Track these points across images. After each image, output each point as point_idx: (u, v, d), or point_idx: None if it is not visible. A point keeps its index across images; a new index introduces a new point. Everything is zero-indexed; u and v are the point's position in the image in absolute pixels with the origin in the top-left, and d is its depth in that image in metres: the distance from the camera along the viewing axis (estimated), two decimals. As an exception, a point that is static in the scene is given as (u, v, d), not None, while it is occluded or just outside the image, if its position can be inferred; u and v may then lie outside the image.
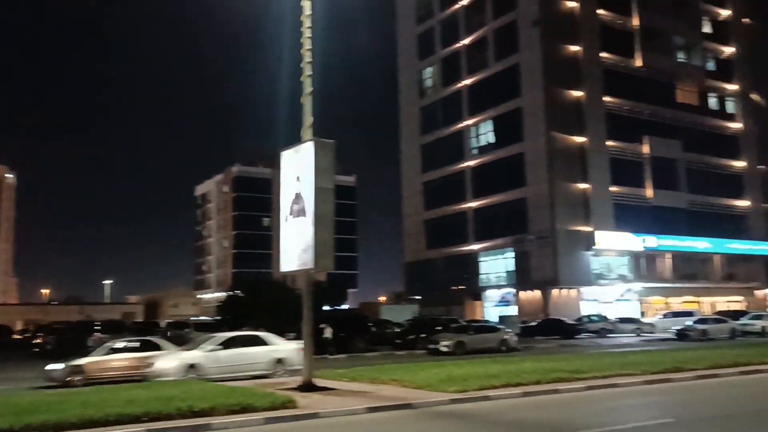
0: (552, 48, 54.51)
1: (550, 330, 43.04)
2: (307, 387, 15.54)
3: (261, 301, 40.65)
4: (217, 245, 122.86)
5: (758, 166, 65.45)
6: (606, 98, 56.44)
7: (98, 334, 33.31)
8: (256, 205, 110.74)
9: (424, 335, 32.51)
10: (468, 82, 61.53)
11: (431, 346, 29.42)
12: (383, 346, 33.43)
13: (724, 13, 66.32)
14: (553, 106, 53.75)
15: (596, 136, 55.01)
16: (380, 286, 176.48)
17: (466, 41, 62.07)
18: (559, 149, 53.43)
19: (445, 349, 28.44)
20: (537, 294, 53.31)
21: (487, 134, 60.25)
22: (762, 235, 63.93)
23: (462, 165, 61.16)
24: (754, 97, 66.80)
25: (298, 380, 16.14)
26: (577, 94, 54.98)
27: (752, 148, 65.47)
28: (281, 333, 29.60)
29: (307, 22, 17.29)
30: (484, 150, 60.03)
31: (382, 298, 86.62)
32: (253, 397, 13.44)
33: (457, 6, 63.35)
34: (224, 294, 51.65)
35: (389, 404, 13.41)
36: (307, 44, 17.23)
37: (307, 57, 17.19)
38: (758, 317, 42.60)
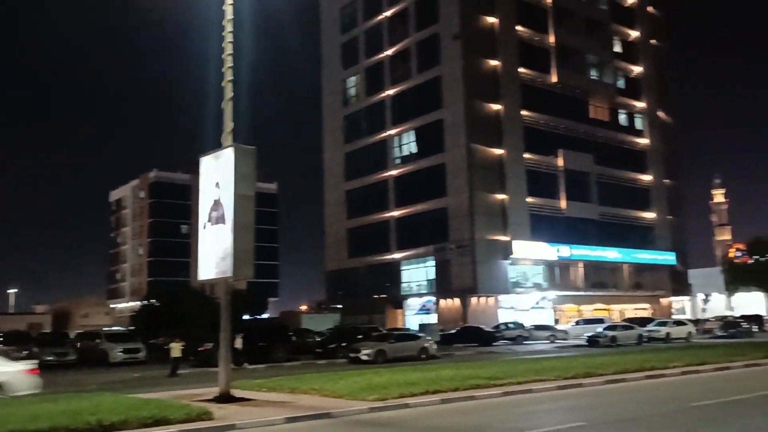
0: (472, 62, 55.77)
1: (469, 337, 43.72)
2: (224, 398, 15.21)
3: (178, 310, 39.62)
4: (133, 253, 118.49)
5: (664, 180, 69.02)
6: (523, 112, 58.20)
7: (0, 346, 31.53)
8: (174, 211, 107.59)
9: (345, 344, 32.42)
10: (391, 92, 62.10)
11: (352, 355, 29.38)
12: (304, 356, 33.16)
13: (634, 34, 69.74)
14: (473, 118, 54.95)
15: (514, 149, 56.61)
16: (302, 295, 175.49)
17: (390, 52, 62.66)
18: (478, 160, 54.65)
19: (365, 358, 28.47)
20: (457, 302, 54.17)
21: (409, 144, 60.92)
22: (667, 246, 67.37)
23: (385, 174, 61.57)
24: (661, 114, 70.51)
25: (215, 391, 15.76)
26: (496, 107, 56.43)
27: (658, 163, 68.96)
28: (200, 343, 28.96)
29: (228, 27, 17.06)
30: (406, 160, 60.67)
31: (304, 307, 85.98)
32: (167, 409, 13.02)
33: (380, 17, 63.87)
34: (139, 303, 49.95)
35: (308, 414, 13.30)
36: (229, 49, 16.99)
37: (228, 62, 16.95)
38: (663, 324, 44.80)
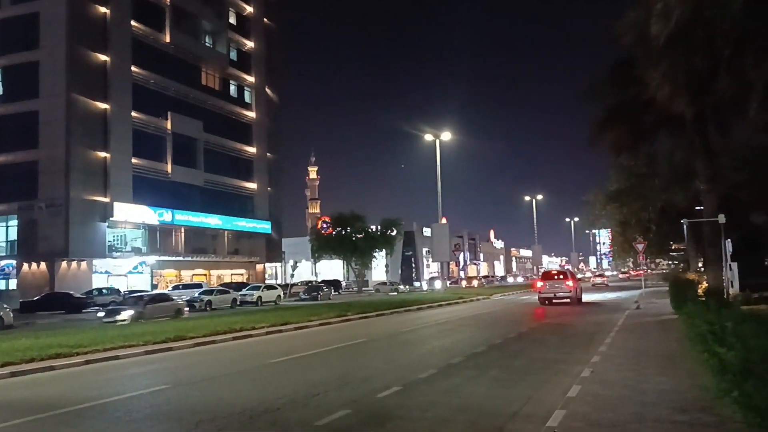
0: (78, 3, 50.78)
1: (56, 305, 40.33)
2: None
3: None
4: None
5: (267, 154, 73.14)
6: (134, 68, 55.33)
7: None
8: None
9: None
10: (-28, 20, 52.66)
11: None
12: None
13: (249, 9, 71.93)
14: (75, 65, 50.18)
15: (121, 105, 53.47)
16: None
17: (-26, -28, 53.03)
18: (79, 113, 50.19)
19: None
20: (43, 267, 49.21)
21: (-7, 84, 52.79)
22: (265, 215, 71.78)
23: (-42, 115, 52.18)
24: (268, 91, 74.37)
25: None
26: (103, 57, 52.50)
27: (263, 137, 72.77)
28: None
29: None
30: (-11, 102, 52.41)
31: None
32: None
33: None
34: None
35: None
36: None
37: None
38: (256, 288, 47.67)
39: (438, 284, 65.26)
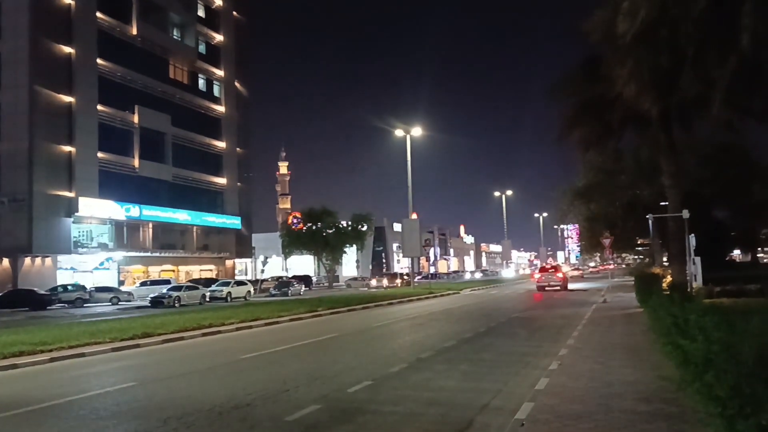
0: (41, -6, 49.75)
1: (19, 302, 39.50)
2: None
3: None
4: None
5: (237, 149, 72.52)
6: (99, 60, 54.40)
7: None
8: None
9: None
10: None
11: None
12: None
13: (218, 1, 71.13)
14: (39, 57, 49.18)
15: (86, 98, 52.53)
16: None
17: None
18: (43, 105, 49.21)
19: None
20: (6, 263, 48.21)
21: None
22: (234, 210, 71.24)
23: None
24: (237, 85, 73.70)
25: None
26: (67, 49, 51.49)
27: (233, 131, 72.13)
28: None
29: None
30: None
31: None
32: None
33: None
34: None
35: None
36: None
37: None
38: (226, 284, 47.28)
39: (297, 288, 54.03)
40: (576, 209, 43.91)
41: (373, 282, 63.69)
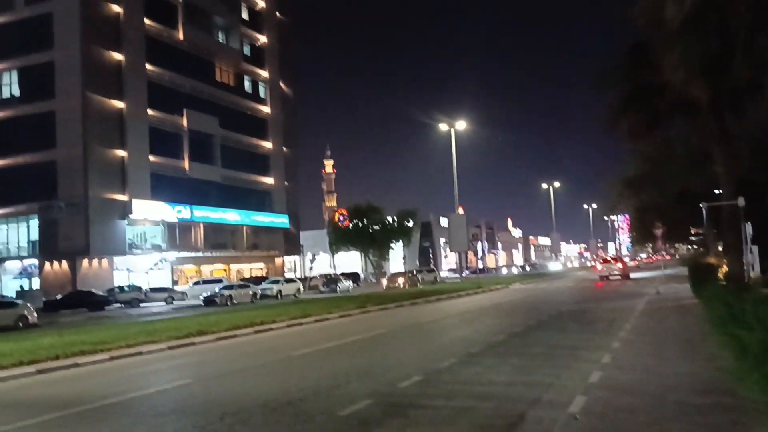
0: (91, 2, 51.22)
1: (78, 303, 40.96)
2: None
3: None
4: None
5: (283, 148, 73.40)
6: (148, 66, 55.75)
7: None
8: None
9: None
10: (-11, 23, 53.31)
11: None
12: None
13: (261, 3, 72.04)
14: (91, 65, 50.69)
15: (136, 103, 53.94)
16: None
17: (-11, -24, 53.61)
18: (95, 112, 50.73)
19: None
20: (65, 265, 49.86)
21: (10, 86, 53.41)
22: (282, 209, 72.15)
23: (-23, 118, 52.88)
24: (282, 85, 74.55)
25: None
26: (117, 56, 52.94)
27: (278, 131, 73.02)
28: None
29: None
30: (6, 103, 53.09)
31: None
32: None
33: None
34: None
35: None
36: None
37: None
38: (275, 282, 48.04)
39: (346, 284, 53.36)
40: (626, 200, 43.13)
41: (384, 282, 56.05)
